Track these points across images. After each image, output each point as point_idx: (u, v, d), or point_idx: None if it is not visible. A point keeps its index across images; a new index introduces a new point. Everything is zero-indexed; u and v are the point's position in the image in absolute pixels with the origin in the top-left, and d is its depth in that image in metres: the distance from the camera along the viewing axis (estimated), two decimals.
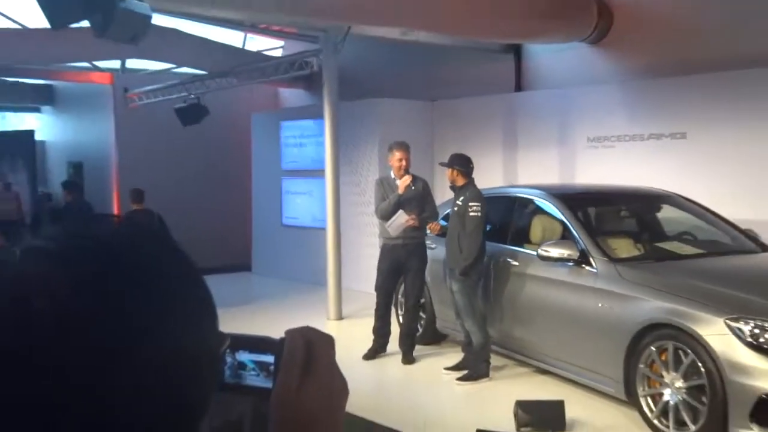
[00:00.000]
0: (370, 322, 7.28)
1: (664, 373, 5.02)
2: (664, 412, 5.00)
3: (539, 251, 5.99)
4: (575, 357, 5.85)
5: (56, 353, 0.57)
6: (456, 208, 6.55)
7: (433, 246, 7.23)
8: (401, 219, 6.81)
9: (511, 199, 7.11)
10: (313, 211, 11.38)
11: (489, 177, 8.69)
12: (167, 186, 11.78)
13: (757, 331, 4.60)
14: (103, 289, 0.60)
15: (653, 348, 5.09)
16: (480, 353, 6.41)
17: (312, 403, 0.78)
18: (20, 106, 15.61)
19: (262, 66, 11.11)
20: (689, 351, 4.83)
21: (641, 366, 5.16)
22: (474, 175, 6.65)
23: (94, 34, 6.02)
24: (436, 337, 7.62)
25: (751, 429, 4.50)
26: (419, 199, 6.97)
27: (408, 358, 7.02)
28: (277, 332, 0.85)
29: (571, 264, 5.84)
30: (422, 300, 7.32)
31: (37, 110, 15.76)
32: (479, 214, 6.39)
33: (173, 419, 0.62)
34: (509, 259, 6.58)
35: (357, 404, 5.42)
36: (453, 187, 6.67)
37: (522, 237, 6.70)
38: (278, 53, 13.40)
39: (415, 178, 7.00)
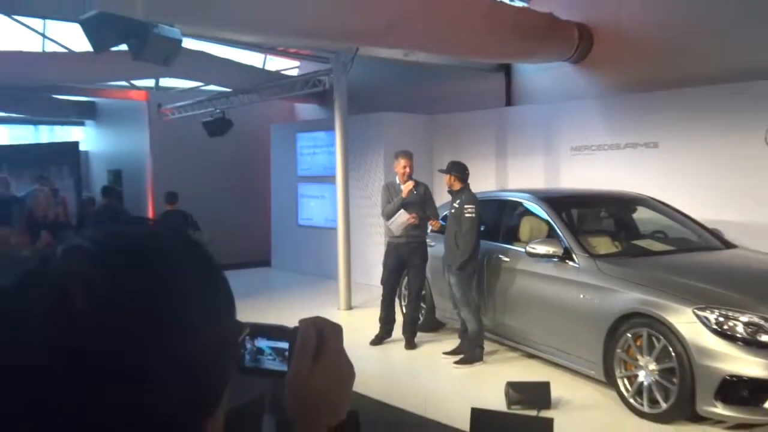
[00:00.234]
0: (376, 312, 7.28)
1: (639, 357, 5.01)
2: (639, 392, 4.99)
3: (527, 248, 5.98)
4: (560, 343, 5.84)
5: (91, 342, 0.57)
6: (453, 210, 6.54)
7: (433, 244, 7.22)
8: (402, 218, 6.81)
9: (503, 201, 7.10)
10: (326, 213, 11.36)
11: (482, 182, 8.68)
12: (196, 190, 11.77)
13: (721, 319, 4.59)
14: (133, 284, 0.60)
15: (629, 335, 5.08)
16: (475, 339, 6.39)
17: (322, 384, 0.79)
18: (67, 121, 15.64)
19: (280, 84, 11.11)
20: (661, 337, 4.81)
21: (618, 351, 5.14)
22: (469, 181, 6.64)
23: (131, 56, 6.04)
24: (435, 326, 7.60)
25: (716, 406, 4.49)
26: (420, 202, 6.96)
27: (410, 344, 7.02)
28: (293, 320, 0.86)
29: (555, 260, 5.82)
30: (423, 292, 7.31)
31: (81, 124, 15.78)
32: (474, 215, 6.38)
33: (195, 399, 0.62)
34: (501, 256, 6.57)
35: (365, 385, 5.43)
36: (450, 191, 6.66)
37: (512, 236, 6.69)
38: (294, 72, 13.40)
39: (417, 183, 6.99)
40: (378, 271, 7.44)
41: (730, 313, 4.59)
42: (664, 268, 5.45)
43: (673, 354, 4.71)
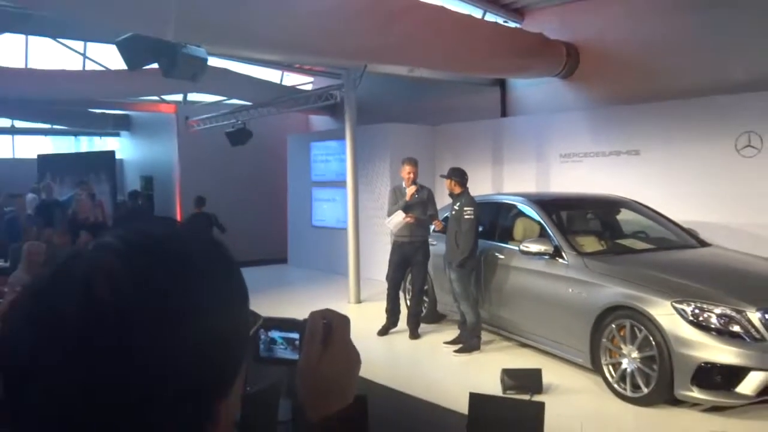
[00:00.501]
0: (383, 305, 7.27)
1: (623, 346, 4.99)
2: (622, 378, 4.97)
3: (521, 247, 5.97)
4: (550, 333, 5.83)
5: (114, 331, 0.57)
6: (453, 212, 6.54)
7: (435, 243, 7.21)
8: (398, 218, 6.82)
9: (499, 204, 7.09)
10: (337, 215, 11.36)
11: (480, 186, 8.68)
12: (219, 194, 11.79)
13: (697, 311, 4.57)
14: (155, 282, 0.60)
15: (613, 326, 5.06)
16: (473, 330, 6.39)
17: (330, 371, 0.79)
18: (104, 132, 15.71)
19: (296, 97, 11.10)
20: (642, 328, 4.80)
21: (604, 340, 5.13)
22: (468, 185, 6.64)
23: (162, 73, 6.07)
24: (437, 318, 7.59)
25: (692, 391, 4.48)
26: (423, 205, 6.96)
27: (414, 334, 7.01)
28: (306, 312, 0.86)
29: (547, 257, 5.81)
30: (426, 287, 7.31)
31: (117, 135, 15.84)
32: (473, 216, 6.37)
33: (207, 385, 0.61)
34: (497, 254, 6.56)
35: (372, 372, 5.44)
36: (451, 195, 6.66)
37: (507, 235, 6.67)
38: (309, 87, 13.40)
39: (421, 187, 6.99)
40: (384, 268, 7.44)
41: (704, 306, 4.57)
42: (645, 264, 5.43)
43: (653, 343, 4.69)
